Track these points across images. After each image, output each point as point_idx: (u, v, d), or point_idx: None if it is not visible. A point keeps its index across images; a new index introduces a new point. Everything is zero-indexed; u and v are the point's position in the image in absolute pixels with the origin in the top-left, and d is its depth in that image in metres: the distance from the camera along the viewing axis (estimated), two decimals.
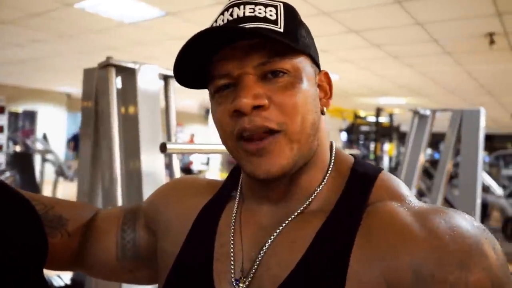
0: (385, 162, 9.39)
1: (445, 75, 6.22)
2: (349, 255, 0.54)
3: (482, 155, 2.43)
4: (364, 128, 10.81)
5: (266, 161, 0.56)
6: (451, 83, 6.82)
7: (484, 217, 6.68)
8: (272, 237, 0.60)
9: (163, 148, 1.02)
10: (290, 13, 0.60)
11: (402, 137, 10.38)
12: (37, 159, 6.78)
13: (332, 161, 0.65)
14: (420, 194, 5.82)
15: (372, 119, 9.84)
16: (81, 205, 0.85)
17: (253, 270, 0.59)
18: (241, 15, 0.57)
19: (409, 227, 0.53)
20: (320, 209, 0.60)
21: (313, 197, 0.62)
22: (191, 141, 12.25)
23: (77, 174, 1.57)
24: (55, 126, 11.31)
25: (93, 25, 4.51)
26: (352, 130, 10.79)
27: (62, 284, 1.59)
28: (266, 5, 0.58)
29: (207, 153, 1.26)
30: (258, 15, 0.57)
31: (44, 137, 6.92)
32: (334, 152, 0.66)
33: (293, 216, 0.61)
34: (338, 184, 0.62)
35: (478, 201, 2.38)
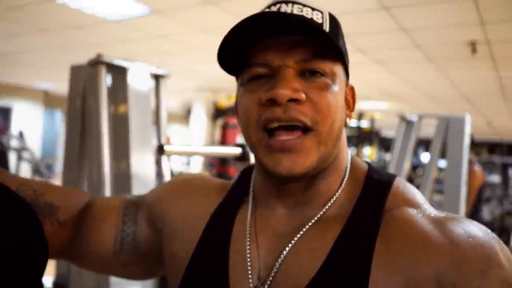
0: None
1: (426, 82, 6.33)
2: (370, 262, 0.53)
3: (466, 161, 2.46)
4: (346, 133, 10.93)
5: (290, 159, 0.55)
6: (433, 90, 6.94)
7: None
8: (290, 244, 0.59)
9: (160, 150, 0.98)
10: (334, 21, 0.61)
11: (383, 142, 10.52)
12: (12, 157, 6.58)
13: (348, 168, 0.65)
14: None
15: (353, 123, 9.96)
16: (74, 191, 0.80)
17: (271, 277, 0.58)
18: (289, 11, 0.57)
19: (429, 236, 0.53)
20: (337, 216, 0.60)
21: (330, 203, 0.61)
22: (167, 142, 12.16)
23: (62, 176, 1.51)
24: (31, 124, 11.02)
25: (74, 20, 4.40)
26: None
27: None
28: (313, 9, 0.59)
29: (205, 155, 1.24)
30: (306, 15, 0.58)
31: (21, 134, 6.72)
32: (349, 159, 0.66)
33: (311, 223, 0.60)
34: (354, 191, 0.62)
35: (463, 206, 2.41)
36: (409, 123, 2.63)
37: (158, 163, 1.51)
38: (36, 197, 0.69)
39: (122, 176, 1.43)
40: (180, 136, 14.65)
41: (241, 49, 0.58)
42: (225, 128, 6.97)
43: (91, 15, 4.14)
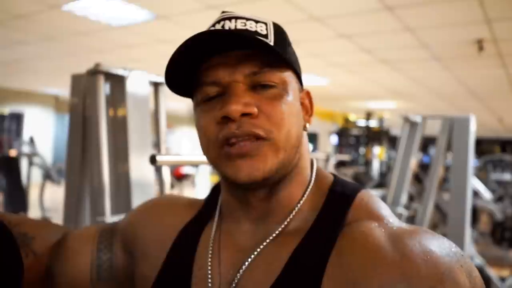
0: (375, 166, 9.43)
1: (434, 81, 6.27)
2: (322, 276, 0.53)
3: (472, 161, 2.44)
4: (354, 132, 10.86)
5: (248, 164, 0.55)
6: (441, 88, 6.88)
7: (473, 221, 6.74)
8: (249, 259, 0.59)
9: (153, 160, 0.99)
10: (279, 31, 0.61)
11: (392, 141, 10.45)
12: (24, 163, 6.67)
13: (313, 177, 0.64)
14: (410, 199, 5.84)
15: (362, 122, 9.90)
16: (48, 224, 0.80)
17: None
18: (233, 27, 0.58)
19: (382, 249, 0.52)
20: (297, 229, 0.59)
21: (292, 216, 0.61)
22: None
23: (65, 180, 1.53)
24: (42, 129, 11.17)
25: (80, 27, 4.45)
26: (342, 133, 10.84)
27: None
28: (256, 21, 0.60)
29: (198, 164, 1.24)
30: (250, 29, 0.58)
31: (31, 140, 6.81)
32: (315, 169, 0.66)
33: (271, 238, 0.60)
34: (316, 203, 0.61)
35: (469, 206, 2.39)
36: (413, 124, 2.61)
37: (158, 169, 1.53)
38: (11, 228, 0.68)
39: (122, 182, 1.45)
40: (189, 138, 14.71)
41: (189, 71, 0.58)
42: None
43: (96, 21, 4.19)
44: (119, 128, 1.44)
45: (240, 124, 0.55)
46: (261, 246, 0.59)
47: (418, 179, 6.23)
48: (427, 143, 11.24)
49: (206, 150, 0.60)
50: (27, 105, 11.05)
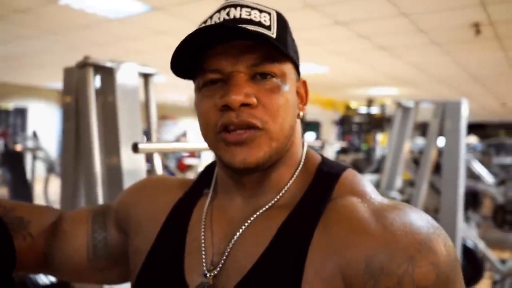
0: (378, 152, 9.43)
1: (434, 65, 6.25)
2: (308, 246, 0.57)
3: (464, 144, 2.46)
4: (357, 119, 10.84)
5: (244, 151, 0.59)
6: (441, 73, 6.85)
7: (475, 205, 6.74)
8: (240, 230, 0.63)
9: (135, 148, 1.03)
10: (282, 21, 0.64)
11: None
12: (28, 157, 6.75)
13: (303, 159, 0.69)
14: (411, 184, 5.86)
15: (364, 110, 9.87)
16: (43, 207, 0.85)
17: (222, 262, 0.62)
18: (238, 16, 0.61)
19: (365, 222, 0.56)
20: (286, 204, 0.64)
21: (282, 192, 0.65)
22: (183, 137, 12.19)
23: (60, 174, 1.58)
24: (47, 123, 11.25)
25: (78, 21, 4.48)
26: (344, 121, 10.82)
27: (48, 282, 1.60)
28: (261, 11, 0.62)
29: (182, 151, 1.28)
30: (254, 19, 0.61)
31: (34, 134, 6.88)
32: (305, 151, 0.70)
33: (261, 211, 0.64)
34: (304, 181, 0.66)
35: (461, 189, 2.42)
36: (406, 109, 2.63)
37: (150, 159, 1.57)
38: (7, 213, 0.73)
39: (114, 172, 1.49)
40: (192, 129, 14.75)
41: (194, 56, 0.62)
42: None
43: (93, 14, 4.22)
44: (110, 120, 1.48)
45: (239, 113, 0.58)
46: (251, 219, 0.63)
47: (417, 163, 6.25)
48: (426, 128, 11.19)
49: (205, 134, 0.64)
50: (31, 100, 11.13)
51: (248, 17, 0.61)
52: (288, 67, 0.63)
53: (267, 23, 0.61)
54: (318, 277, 0.55)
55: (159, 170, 1.57)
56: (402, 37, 4.65)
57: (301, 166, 0.67)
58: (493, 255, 4.35)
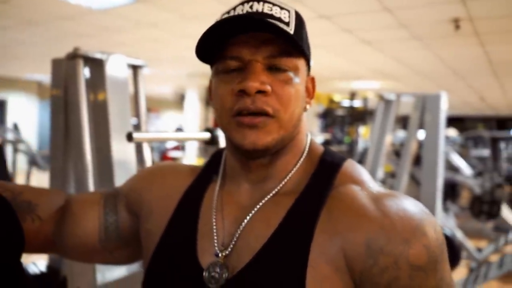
0: (360, 145, 9.57)
1: (415, 60, 6.37)
2: (313, 229, 0.63)
3: (443, 137, 2.55)
4: (340, 112, 10.95)
5: (254, 134, 0.64)
6: (422, 67, 6.98)
7: (454, 196, 6.94)
8: (250, 214, 0.68)
9: (129, 137, 1.06)
10: (299, 19, 0.69)
11: None
12: (8, 150, 6.64)
13: (306, 148, 0.74)
14: (392, 176, 5.98)
15: (346, 103, 9.98)
16: (50, 190, 0.88)
17: (232, 244, 0.67)
18: (260, 10, 0.66)
19: (365, 208, 0.63)
20: (292, 191, 0.69)
21: (287, 179, 0.71)
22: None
23: (49, 163, 1.59)
24: (26, 115, 11.05)
25: (61, 12, 4.42)
26: (327, 114, 10.92)
27: (38, 271, 1.62)
28: (281, 8, 0.67)
29: (174, 140, 1.31)
30: (275, 14, 0.66)
31: (15, 126, 6.76)
32: (308, 141, 0.75)
33: (268, 196, 0.69)
34: (308, 170, 0.71)
35: (440, 180, 2.50)
36: (387, 102, 2.70)
37: (140, 150, 1.59)
38: (15, 197, 0.75)
39: (104, 163, 1.51)
40: (176, 122, 14.67)
41: (217, 43, 0.66)
42: None
43: (77, 5, 4.17)
44: (99, 111, 1.49)
45: (254, 99, 0.63)
46: (260, 204, 0.69)
47: (399, 156, 6.38)
48: (407, 122, 11.36)
49: (219, 116, 0.69)
50: (10, 92, 10.90)
51: (270, 12, 0.66)
52: (301, 62, 0.68)
53: (287, 20, 0.66)
54: (323, 257, 0.61)
55: (148, 161, 1.59)
56: (385, 31, 4.73)
57: (305, 154, 0.73)
58: (470, 244, 4.51)
